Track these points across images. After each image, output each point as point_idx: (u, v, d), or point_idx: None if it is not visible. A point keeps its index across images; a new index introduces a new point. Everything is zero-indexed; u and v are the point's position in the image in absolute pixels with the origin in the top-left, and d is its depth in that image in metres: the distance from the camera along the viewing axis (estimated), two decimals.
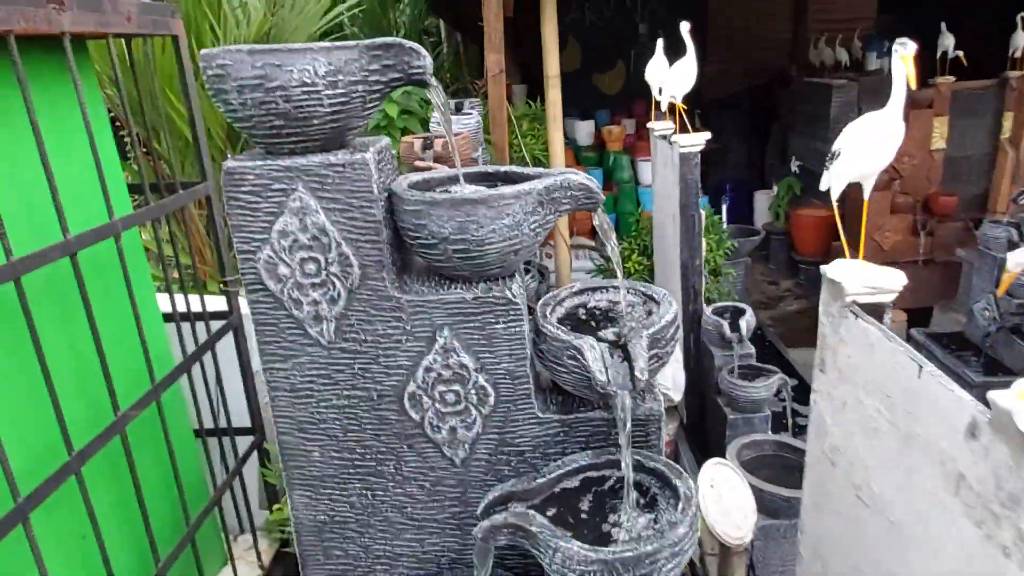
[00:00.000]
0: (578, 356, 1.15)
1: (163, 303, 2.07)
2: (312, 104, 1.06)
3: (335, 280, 1.17)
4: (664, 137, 3.54)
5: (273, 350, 1.22)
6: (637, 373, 1.09)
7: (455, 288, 1.22)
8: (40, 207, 1.51)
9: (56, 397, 1.31)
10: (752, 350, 3.06)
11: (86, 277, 1.48)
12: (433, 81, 1.15)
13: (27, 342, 1.28)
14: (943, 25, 5.43)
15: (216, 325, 2.17)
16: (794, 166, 7.11)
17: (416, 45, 1.11)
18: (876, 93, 6.52)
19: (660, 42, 3.40)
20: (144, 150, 3.40)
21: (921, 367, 1.20)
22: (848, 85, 6.38)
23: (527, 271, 4.38)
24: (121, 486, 1.72)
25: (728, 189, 7.63)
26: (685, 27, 2.88)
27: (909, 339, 4.60)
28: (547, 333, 1.22)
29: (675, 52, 3.34)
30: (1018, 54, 5.39)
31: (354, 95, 1.09)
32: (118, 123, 3.93)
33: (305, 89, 1.04)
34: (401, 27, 6.88)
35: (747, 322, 2.97)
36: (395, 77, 1.12)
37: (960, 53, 5.31)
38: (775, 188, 7.20)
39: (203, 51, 1.06)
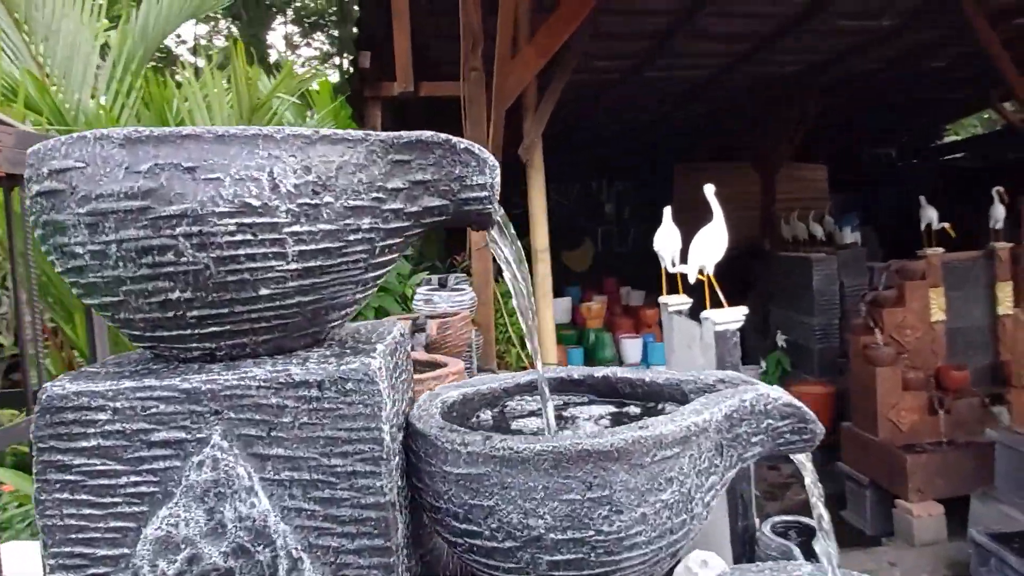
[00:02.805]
0: None
1: None
2: (262, 257, 0.48)
3: None
4: (680, 312, 3.06)
5: None
6: None
7: None
8: None
9: None
10: None
11: None
12: (500, 216, 0.60)
13: None
14: (922, 199, 5.44)
15: None
16: (780, 340, 6.84)
17: (474, 145, 0.56)
18: (853, 266, 6.46)
19: (667, 210, 3.05)
20: None
21: None
22: (827, 258, 6.32)
23: None
24: None
25: None
26: (710, 189, 2.51)
27: (970, 541, 3.95)
28: None
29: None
30: (999, 226, 5.39)
31: (352, 238, 0.52)
32: None
33: (245, 222, 0.47)
34: None
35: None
36: (434, 207, 0.56)
37: (947, 224, 5.25)
38: (763, 364, 6.85)
39: (33, 148, 0.49)
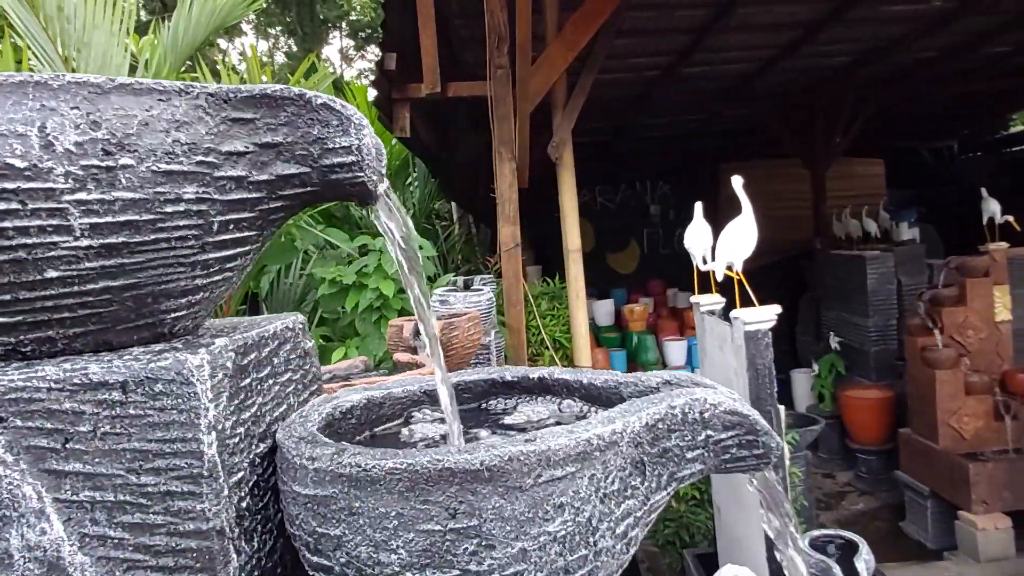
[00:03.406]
0: None
1: None
2: (38, 231, 0.40)
3: None
4: (713, 312, 2.90)
5: None
6: None
7: None
8: None
9: None
10: None
11: None
12: (382, 189, 0.50)
13: None
14: (983, 191, 5.09)
15: None
16: (834, 342, 6.51)
17: (336, 101, 0.47)
18: (911, 263, 6.10)
19: (698, 206, 2.90)
20: None
21: None
22: (882, 256, 5.97)
23: None
24: None
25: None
26: (738, 182, 2.36)
27: None
28: None
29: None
30: None
31: (171, 210, 0.43)
32: None
33: (7, 187, 0.39)
34: (411, 208, 6.68)
35: (866, 562, 2.11)
36: (291, 175, 0.47)
37: (1010, 218, 4.88)
38: (815, 367, 6.53)
39: None
